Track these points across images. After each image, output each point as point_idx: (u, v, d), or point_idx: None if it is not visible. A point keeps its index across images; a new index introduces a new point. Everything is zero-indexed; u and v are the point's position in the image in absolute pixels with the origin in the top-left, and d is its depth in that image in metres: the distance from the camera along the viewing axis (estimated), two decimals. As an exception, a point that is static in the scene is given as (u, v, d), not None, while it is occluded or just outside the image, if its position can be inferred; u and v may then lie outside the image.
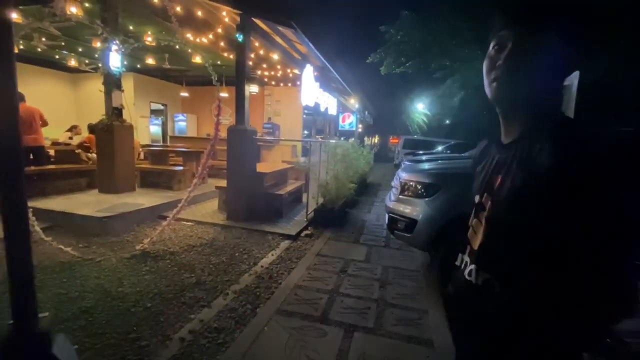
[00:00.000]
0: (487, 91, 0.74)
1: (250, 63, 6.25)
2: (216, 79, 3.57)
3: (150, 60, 7.94)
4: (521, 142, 0.71)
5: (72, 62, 8.45)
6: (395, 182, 3.46)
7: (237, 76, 4.77)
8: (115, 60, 4.83)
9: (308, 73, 6.97)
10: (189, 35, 5.93)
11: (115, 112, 5.05)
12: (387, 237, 4.28)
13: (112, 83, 5.01)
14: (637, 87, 5.66)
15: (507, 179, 0.70)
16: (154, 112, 11.96)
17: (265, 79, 10.51)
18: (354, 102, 13.79)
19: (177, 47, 4.61)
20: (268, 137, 9.64)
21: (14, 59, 1.16)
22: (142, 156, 7.29)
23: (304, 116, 12.47)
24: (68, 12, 3.97)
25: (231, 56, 7.02)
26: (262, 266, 3.20)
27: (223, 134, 4.67)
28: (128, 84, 9.26)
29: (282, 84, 11.24)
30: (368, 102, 17.38)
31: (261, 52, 6.94)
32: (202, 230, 4.20)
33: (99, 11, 4.86)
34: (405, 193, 3.13)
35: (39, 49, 7.32)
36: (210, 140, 3.71)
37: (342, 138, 9.39)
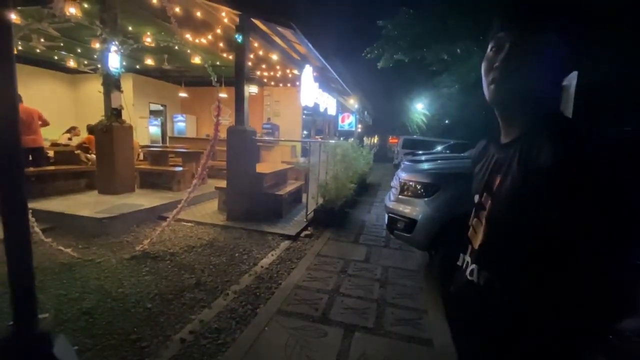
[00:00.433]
0: (485, 92, 0.74)
1: (250, 63, 6.24)
2: (215, 79, 3.57)
3: (149, 61, 7.93)
4: (520, 141, 0.71)
5: (71, 63, 8.44)
6: (394, 182, 3.46)
7: (237, 77, 4.77)
8: (114, 61, 4.83)
9: (307, 73, 6.98)
10: (188, 36, 5.93)
11: (114, 113, 5.04)
12: (386, 237, 4.29)
13: (111, 84, 5.00)
14: (636, 87, 5.67)
15: (506, 179, 0.71)
16: (153, 113, 11.95)
17: (265, 80, 10.51)
18: (353, 103, 13.80)
19: (176, 47, 4.61)
20: (267, 137, 9.64)
21: (13, 59, 1.16)
22: (141, 157, 7.29)
23: (304, 116, 12.47)
24: (67, 13, 3.96)
25: (230, 57, 7.02)
26: (262, 266, 3.20)
27: (223, 134, 4.66)
28: (127, 84, 9.25)
29: (281, 85, 11.24)
30: (367, 102, 17.40)
31: (260, 52, 6.94)
32: (202, 231, 4.20)
33: (98, 12, 4.86)
34: (405, 193, 3.14)
35: (38, 50, 7.32)
36: (209, 140, 3.71)
37: (341, 138, 9.40)
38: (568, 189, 0.59)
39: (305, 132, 13.61)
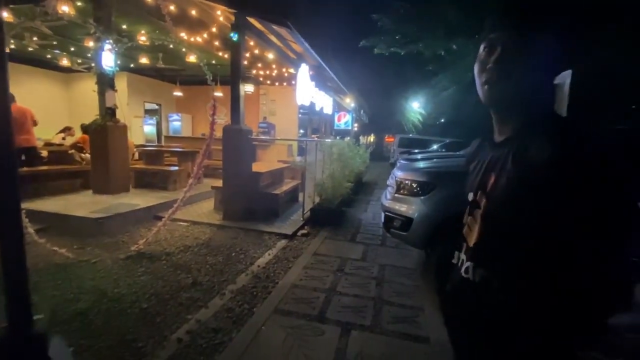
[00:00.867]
0: (479, 93, 0.75)
1: (245, 62, 6.24)
2: (211, 78, 3.56)
3: (144, 60, 7.86)
4: (514, 140, 0.72)
5: (65, 62, 8.35)
6: (391, 181, 3.47)
7: (232, 75, 4.75)
8: (109, 60, 4.78)
9: (303, 72, 6.96)
10: (183, 35, 5.89)
11: (108, 112, 5.00)
12: (383, 236, 4.30)
13: (105, 83, 4.96)
14: (634, 86, 5.71)
15: (501, 177, 0.71)
16: (148, 112, 11.85)
17: (261, 78, 10.48)
18: (349, 101, 13.80)
19: (171, 46, 4.59)
20: (264, 136, 9.62)
21: (6, 58, 1.14)
22: (136, 156, 7.23)
23: (300, 115, 12.45)
24: (60, 11, 3.92)
25: (226, 55, 6.97)
26: (258, 266, 3.20)
27: (218, 133, 4.66)
28: (121, 83, 9.15)
29: (277, 83, 11.21)
30: (363, 101, 17.41)
31: (256, 51, 6.91)
32: (198, 231, 4.18)
33: (92, 10, 4.81)
34: (401, 191, 3.14)
35: (31, 49, 7.22)
36: (205, 140, 3.70)
37: (337, 137, 9.40)
38: (563, 186, 0.59)
39: (301, 131, 13.58)
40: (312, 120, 14.42)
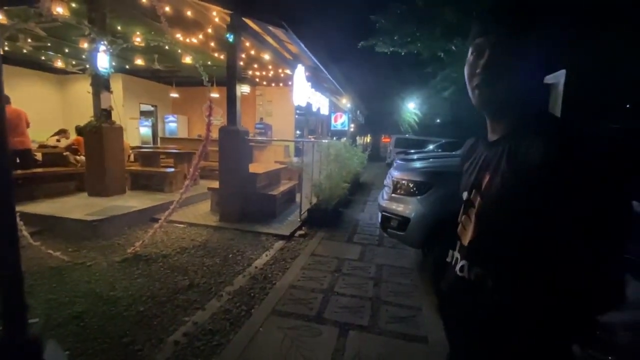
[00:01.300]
0: (470, 97, 0.75)
1: (241, 63, 6.21)
2: (207, 79, 3.55)
3: (139, 61, 7.83)
4: (508, 139, 0.72)
5: (59, 64, 8.30)
6: (387, 181, 3.48)
7: (228, 76, 4.74)
8: (103, 61, 4.75)
9: (300, 73, 6.97)
10: (179, 36, 5.87)
11: (103, 114, 4.97)
12: (380, 236, 4.31)
13: (100, 84, 4.92)
14: (633, 86, 5.76)
15: (495, 176, 0.71)
16: (144, 114, 11.80)
17: (257, 79, 10.47)
18: (345, 102, 13.82)
19: (166, 47, 4.56)
20: (260, 137, 9.60)
21: (0, 60, 1.14)
22: (132, 158, 7.19)
23: (296, 116, 12.44)
24: (54, 13, 3.88)
25: (222, 56, 6.97)
26: (256, 267, 3.19)
27: (215, 134, 4.63)
28: (117, 85, 9.12)
29: (273, 84, 11.21)
30: (360, 101, 17.44)
31: (252, 52, 6.90)
32: (194, 232, 4.17)
33: (86, 11, 4.77)
34: (398, 191, 3.16)
35: (25, 50, 7.17)
36: (201, 141, 3.68)
37: (334, 138, 9.40)
38: (557, 185, 0.60)
39: (298, 131, 13.59)
40: (308, 121, 14.42)
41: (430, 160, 3.95)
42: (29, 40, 6.57)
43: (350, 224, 4.98)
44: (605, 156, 0.60)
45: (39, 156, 5.86)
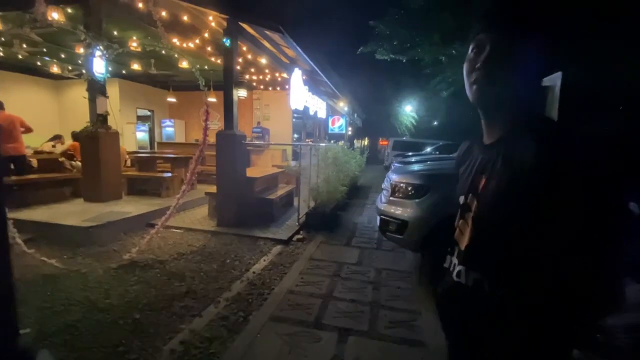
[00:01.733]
0: (468, 93, 0.75)
1: (238, 67, 6.22)
2: (204, 83, 3.54)
3: (135, 66, 7.82)
4: (503, 142, 0.72)
5: (55, 69, 8.27)
6: (385, 184, 3.47)
7: (225, 81, 4.74)
8: (99, 66, 4.74)
9: (297, 77, 6.98)
10: (175, 40, 5.87)
11: (100, 119, 4.94)
12: (379, 239, 4.29)
13: (96, 89, 4.90)
14: (631, 87, 5.79)
15: (491, 179, 0.71)
16: (141, 119, 11.77)
17: (254, 83, 10.48)
18: (343, 105, 13.85)
19: (163, 52, 4.56)
20: (257, 141, 9.60)
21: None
22: (128, 163, 7.15)
23: (294, 120, 12.46)
24: (49, 18, 3.88)
25: (219, 61, 6.98)
26: (254, 272, 3.16)
27: (212, 139, 4.62)
28: (113, 90, 9.08)
29: (270, 88, 11.22)
30: (357, 104, 17.48)
31: (249, 56, 6.92)
32: (192, 238, 4.13)
33: (82, 16, 4.77)
34: (396, 195, 3.15)
35: (20, 56, 7.14)
36: (198, 145, 3.66)
37: (332, 141, 9.41)
38: (553, 188, 0.59)
39: (295, 135, 13.59)
40: (306, 125, 14.44)
41: (428, 163, 3.96)
42: (24, 45, 6.55)
43: (349, 228, 4.96)
44: (600, 158, 0.60)
45: (34, 162, 5.81)
